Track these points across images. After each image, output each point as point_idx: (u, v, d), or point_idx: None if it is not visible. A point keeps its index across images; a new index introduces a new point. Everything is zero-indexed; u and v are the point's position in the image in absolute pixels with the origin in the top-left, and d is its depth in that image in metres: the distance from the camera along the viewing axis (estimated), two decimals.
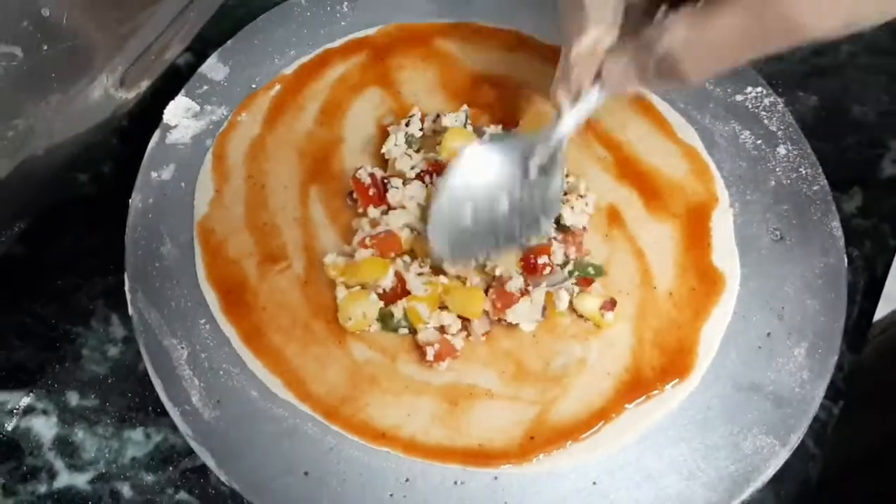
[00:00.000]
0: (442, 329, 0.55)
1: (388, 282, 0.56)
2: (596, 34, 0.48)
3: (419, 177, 0.59)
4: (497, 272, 0.56)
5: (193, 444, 0.52)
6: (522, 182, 0.55)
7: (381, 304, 0.56)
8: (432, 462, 0.52)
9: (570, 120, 0.52)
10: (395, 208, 0.58)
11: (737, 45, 0.44)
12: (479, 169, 0.55)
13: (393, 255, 0.57)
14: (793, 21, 0.41)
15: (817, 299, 0.58)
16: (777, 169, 0.62)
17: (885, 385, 0.77)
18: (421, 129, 0.61)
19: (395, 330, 0.56)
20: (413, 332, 0.56)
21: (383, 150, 0.60)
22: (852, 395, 0.59)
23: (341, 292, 0.56)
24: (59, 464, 0.56)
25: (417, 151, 0.60)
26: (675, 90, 0.65)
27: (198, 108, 0.63)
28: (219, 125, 0.63)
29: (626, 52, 0.48)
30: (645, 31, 0.47)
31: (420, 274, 0.56)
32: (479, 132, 0.61)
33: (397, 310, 0.55)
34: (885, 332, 0.84)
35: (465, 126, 0.61)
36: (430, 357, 0.54)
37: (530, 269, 0.56)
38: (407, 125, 0.61)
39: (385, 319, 0.55)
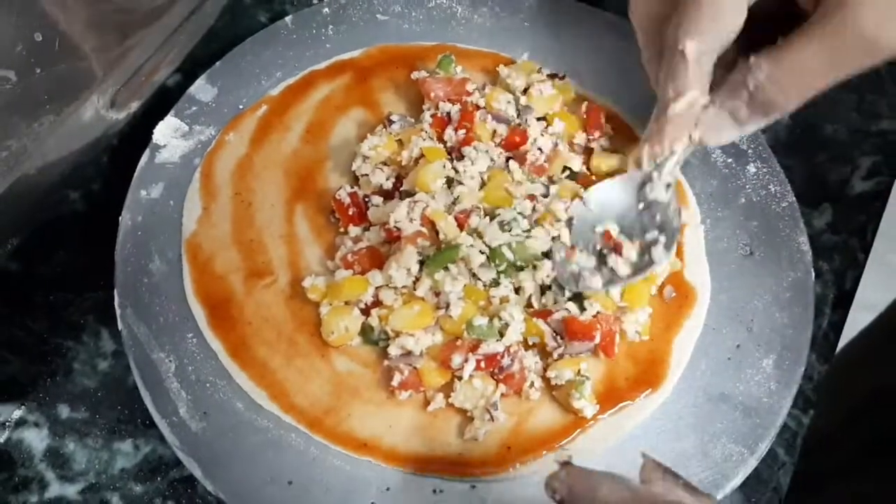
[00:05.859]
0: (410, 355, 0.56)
1: (368, 297, 0.57)
2: (693, 95, 0.52)
3: (395, 187, 0.61)
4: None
5: (181, 455, 0.54)
6: (634, 214, 0.58)
7: (364, 318, 0.57)
8: (412, 471, 0.54)
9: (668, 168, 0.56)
10: (375, 225, 0.59)
11: (821, 70, 0.48)
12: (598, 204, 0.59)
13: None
14: (872, 41, 0.45)
15: (785, 312, 0.60)
16: (747, 186, 0.64)
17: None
18: (390, 132, 0.63)
19: (377, 343, 0.57)
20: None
21: (353, 168, 0.62)
22: (822, 405, 0.61)
23: (325, 308, 0.57)
24: (50, 475, 0.57)
25: (386, 164, 0.62)
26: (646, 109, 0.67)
27: (186, 128, 0.65)
28: (207, 145, 0.65)
29: (715, 102, 0.52)
30: (730, 78, 0.51)
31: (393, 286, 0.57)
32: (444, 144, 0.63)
33: (373, 320, 0.56)
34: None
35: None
36: (394, 383, 0.55)
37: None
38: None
39: (366, 333, 0.57)
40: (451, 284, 0.56)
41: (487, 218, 0.58)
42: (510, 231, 0.57)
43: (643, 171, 0.57)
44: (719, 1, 0.49)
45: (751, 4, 0.50)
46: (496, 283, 0.57)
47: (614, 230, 0.58)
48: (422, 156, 0.60)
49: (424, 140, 0.61)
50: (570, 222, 0.59)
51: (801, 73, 0.48)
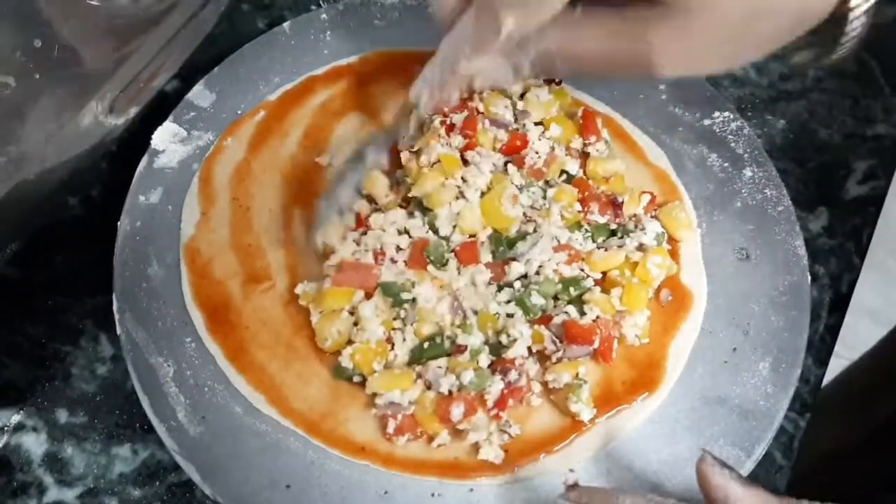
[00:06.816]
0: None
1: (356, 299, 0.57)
2: None
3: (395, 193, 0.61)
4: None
5: (179, 460, 0.54)
6: None
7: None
8: (410, 475, 0.54)
9: None
10: (374, 230, 0.59)
11: (597, 63, 0.49)
12: None
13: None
14: (648, 60, 0.46)
15: (781, 315, 0.60)
16: (743, 190, 0.65)
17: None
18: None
19: (350, 379, 0.56)
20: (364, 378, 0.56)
21: (366, 192, 0.61)
22: (819, 408, 0.61)
23: (315, 317, 0.57)
24: (48, 479, 0.57)
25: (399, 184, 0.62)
26: (642, 114, 0.68)
27: (185, 133, 0.65)
28: (205, 150, 0.65)
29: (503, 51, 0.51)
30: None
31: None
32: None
33: (344, 359, 0.56)
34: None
35: None
36: (390, 430, 0.54)
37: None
38: None
39: (338, 370, 0.56)
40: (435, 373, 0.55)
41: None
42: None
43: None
44: None
45: None
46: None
47: None
48: (437, 161, 0.60)
49: (443, 146, 0.61)
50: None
51: (581, 57, 0.49)
